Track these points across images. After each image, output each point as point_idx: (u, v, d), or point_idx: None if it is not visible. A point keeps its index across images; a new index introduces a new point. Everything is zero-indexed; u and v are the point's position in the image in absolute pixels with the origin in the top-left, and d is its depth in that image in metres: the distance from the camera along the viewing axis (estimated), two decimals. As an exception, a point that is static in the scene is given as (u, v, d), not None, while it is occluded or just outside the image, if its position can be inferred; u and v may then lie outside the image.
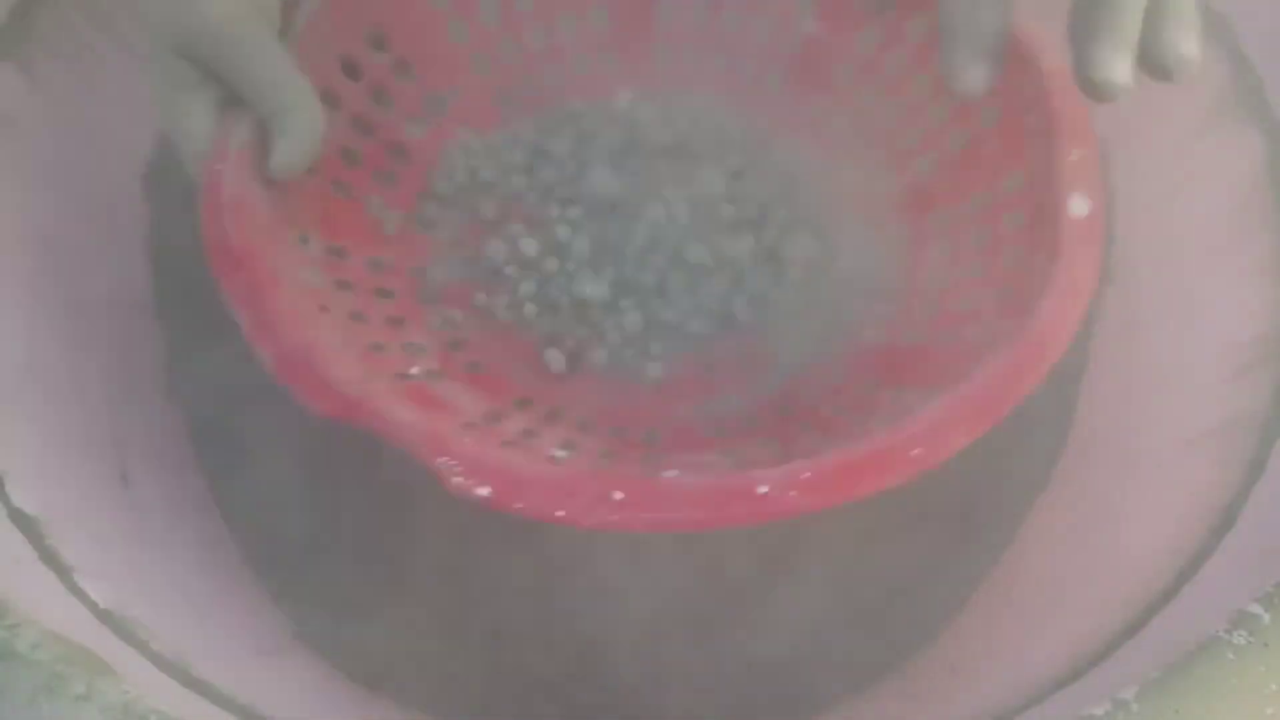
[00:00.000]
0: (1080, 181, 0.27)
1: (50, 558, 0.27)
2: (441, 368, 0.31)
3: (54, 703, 0.21)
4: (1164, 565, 0.28)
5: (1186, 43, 0.24)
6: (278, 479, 0.35)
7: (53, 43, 0.34)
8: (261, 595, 0.33)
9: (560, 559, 0.34)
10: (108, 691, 0.21)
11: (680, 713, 0.32)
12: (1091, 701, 0.22)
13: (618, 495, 0.23)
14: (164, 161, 0.37)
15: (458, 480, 0.23)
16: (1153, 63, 0.24)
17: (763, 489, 0.23)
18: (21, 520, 0.27)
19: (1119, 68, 0.24)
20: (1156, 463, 0.32)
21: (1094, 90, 0.24)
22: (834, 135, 0.36)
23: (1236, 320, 0.32)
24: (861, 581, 0.34)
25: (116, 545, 0.30)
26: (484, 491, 0.23)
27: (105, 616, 0.26)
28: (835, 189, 0.36)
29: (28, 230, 0.33)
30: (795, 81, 0.37)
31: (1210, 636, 0.22)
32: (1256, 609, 0.23)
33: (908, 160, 0.34)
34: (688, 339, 0.34)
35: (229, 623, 0.31)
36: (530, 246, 0.35)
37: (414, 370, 0.30)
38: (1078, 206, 0.27)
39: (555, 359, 0.33)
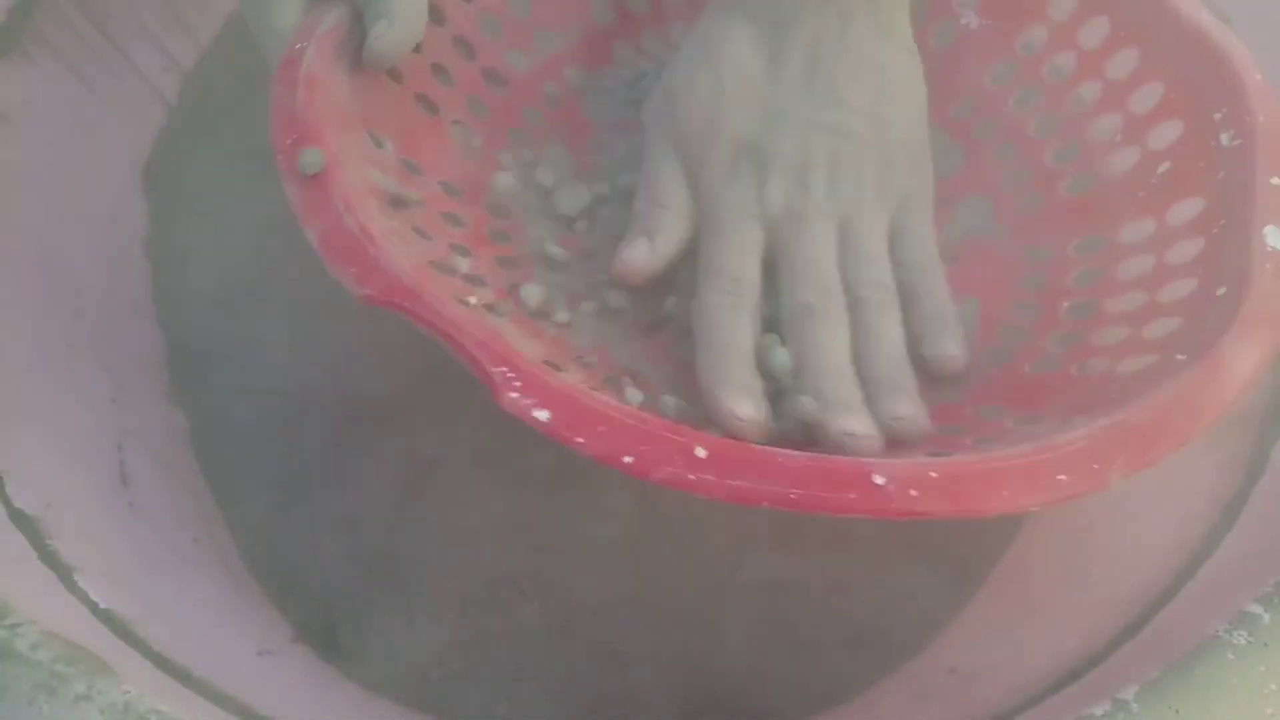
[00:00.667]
0: (1277, 211, 0.25)
1: (50, 558, 0.27)
2: (500, 307, 0.29)
3: (54, 703, 0.21)
4: (1164, 565, 0.28)
5: (902, 406, 0.27)
6: (278, 479, 0.35)
7: (53, 43, 0.34)
8: (261, 595, 0.33)
9: (561, 560, 0.34)
10: (108, 691, 0.21)
11: (681, 713, 0.32)
12: (1091, 701, 0.22)
13: (700, 452, 0.20)
14: (164, 161, 0.37)
15: (514, 397, 0.20)
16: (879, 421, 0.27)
17: (879, 479, 0.20)
18: (21, 520, 0.27)
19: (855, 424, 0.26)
20: (1156, 463, 0.32)
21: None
22: (979, 140, 0.34)
23: (1237, 320, 0.32)
24: (861, 581, 0.34)
25: (116, 545, 0.30)
26: (542, 415, 0.20)
27: (105, 616, 0.26)
28: (973, 200, 0.33)
29: (27, 230, 0.33)
30: (943, 78, 0.34)
31: (1210, 636, 0.22)
32: (1256, 609, 0.22)
33: (1058, 178, 0.32)
34: None
35: (229, 623, 0.31)
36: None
37: (471, 299, 0.27)
38: (1274, 238, 0.24)
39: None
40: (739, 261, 0.29)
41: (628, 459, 0.20)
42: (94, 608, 0.26)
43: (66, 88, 0.34)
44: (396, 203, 0.28)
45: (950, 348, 0.29)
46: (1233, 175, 0.26)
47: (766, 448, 0.21)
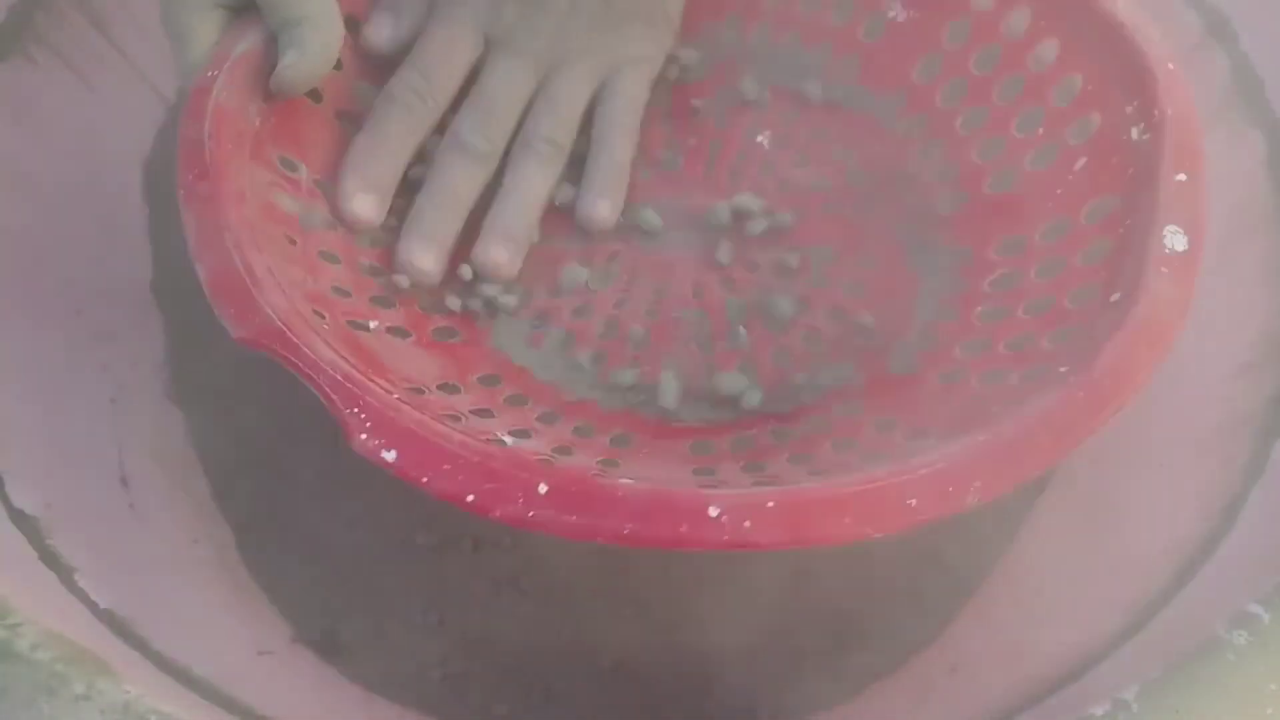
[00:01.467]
0: (1181, 210, 0.24)
1: (50, 558, 0.27)
2: (408, 327, 0.29)
3: (54, 703, 0.21)
4: (1164, 565, 0.28)
5: (497, 252, 0.31)
6: (277, 479, 0.35)
7: (53, 43, 0.34)
8: (261, 596, 0.33)
9: (562, 560, 0.34)
10: (108, 691, 0.21)
11: (680, 713, 0.32)
12: (1091, 701, 0.22)
13: (542, 488, 0.20)
14: (164, 161, 0.37)
15: (363, 438, 0.21)
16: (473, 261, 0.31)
17: (714, 511, 0.19)
18: (21, 520, 0.27)
19: (423, 259, 0.30)
20: (1157, 463, 0.32)
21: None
22: (898, 138, 0.34)
23: (1236, 320, 0.32)
24: (861, 582, 0.34)
25: (116, 545, 0.30)
26: (389, 456, 0.20)
27: (105, 616, 0.26)
28: (889, 200, 0.33)
29: (27, 230, 0.33)
30: (872, 73, 0.35)
31: (1210, 636, 0.22)
32: (1256, 609, 0.22)
33: (981, 176, 0.32)
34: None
35: (229, 623, 0.31)
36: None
37: (373, 324, 0.27)
38: (1174, 240, 0.23)
39: (466, 272, 0.31)
40: (438, 59, 0.31)
41: (470, 498, 0.20)
42: (94, 608, 0.26)
43: (66, 88, 0.34)
44: (306, 225, 0.28)
45: (599, 208, 0.32)
46: (1141, 172, 0.25)
47: (609, 481, 0.20)
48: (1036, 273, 0.28)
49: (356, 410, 0.21)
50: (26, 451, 0.29)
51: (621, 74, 0.33)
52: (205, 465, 0.35)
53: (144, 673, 0.25)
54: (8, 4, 0.33)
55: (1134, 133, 0.26)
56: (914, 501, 0.20)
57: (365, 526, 0.34)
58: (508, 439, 0.25)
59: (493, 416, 0.27)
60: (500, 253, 0.31)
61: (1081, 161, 0.29)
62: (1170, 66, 0.27)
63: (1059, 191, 0.29)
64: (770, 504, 0.20)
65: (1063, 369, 0.23)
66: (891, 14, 0.34)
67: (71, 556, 0.27)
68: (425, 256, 0.30)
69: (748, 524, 0.19)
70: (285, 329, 0.22)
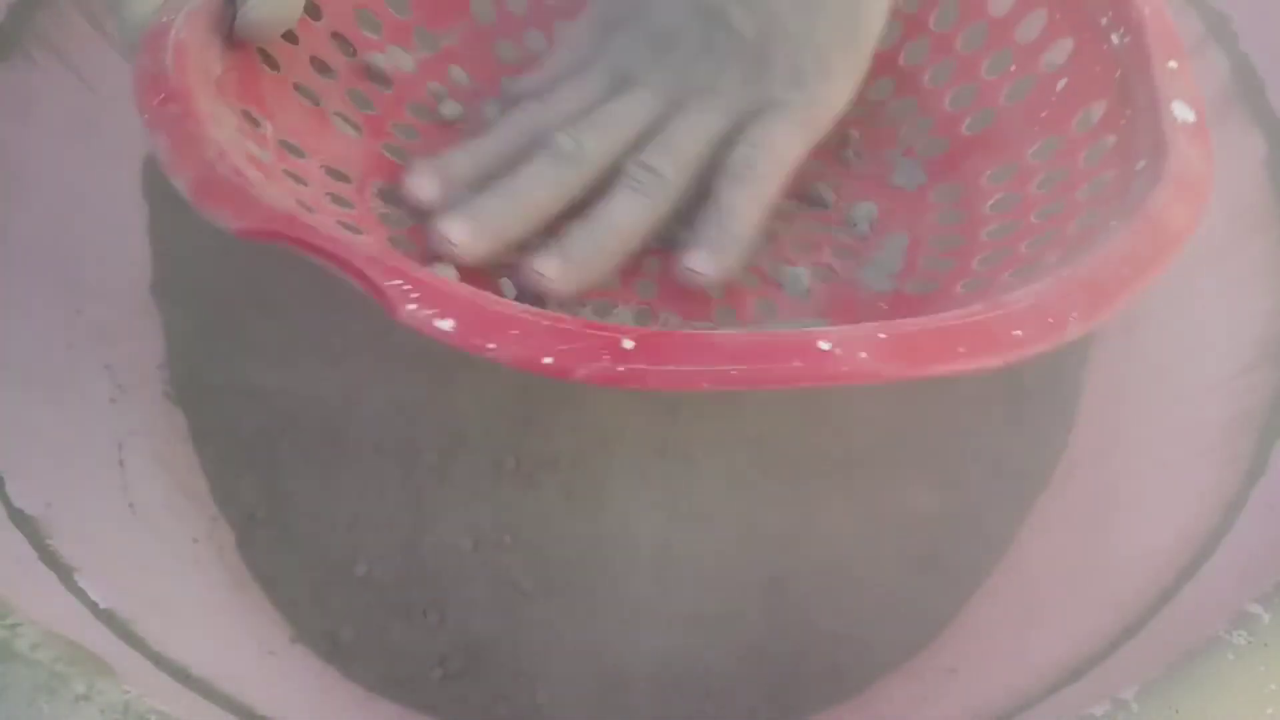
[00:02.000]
0: (1180, 90, 0.24)
1: (50, 558, 0.27)
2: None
3: (54, 703, 0.21)
4: (1164, 565, 0.28)
5: (548, 266, 0.27)
6: (278, 479, 0.35)
7: (53, 43, 0.34)
8: (261, 595, 0.33)
9: (562, 560, 0.34)
10: (108, 691, 0.21)
11: (680, 712, 0.32)
12: (1091, 701, 0.22)
13: (628, 343, 0.18)
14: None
15: (412, 309, 0.19)
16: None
17: (825, 345, 0.18)
18: (21, 520, 0.27)
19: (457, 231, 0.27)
20: (1156, 463, 0.32)
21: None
22: (877, 100, 0.34)
23: (1236, 320, 0.32)
24: (860, 582, 0.34)
25: (116, 545, 0.30)
26: (445, 325, 0.18)
27: (105, 616, 0.26)
28: (871, 152, 0.33)
29: (27, 230, 0.33)
30: None
31: (1210, 636, 0.22)
32: (1256, 609, 0.22)
33: (957, 121, 0.32)
34: None
35: (229, 623, 0.31)
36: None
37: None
38: (1181, 112, 0.24)
39: (507, 287, 0.28)
40: (568, 101, 0.30)
41: (547, 360, 0.18)
42: (94, 608, 0.26)
43: (66, 88, 0.34)
44: (281, 176, 0.26)
45: (703, 261, 0.28)
46: (1130, 69, 0.26)
47: (699, 331, 0.19)
48: (1036, 186, 0.29)
49: (399, 282, 0.19)
50: (26, 451, 0.29)
51: (762, 117, 0.29)
52: (205, 465, 0.35)
53: (144, 673, 0.25)
54: (8, 4, 0.33)
55: (1114, 39, 0.27)
56: (1020, 332, 0.20)
57: (365, 526, 0.34)
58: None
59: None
60: (549, 264, 0.27)
61: (1063, 82, 0.29)
62: None
63: (1044, 114, 0.29)
64: (882, 335, 0.19)
65: (1114, 223, 0.23)
66: None
67: (71, 556, 0.27)
68: (460, 229, 0.27)
69: (864, 354, 0.18)
70: (293, 214, 0.20)
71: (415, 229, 0.29)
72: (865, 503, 0.35)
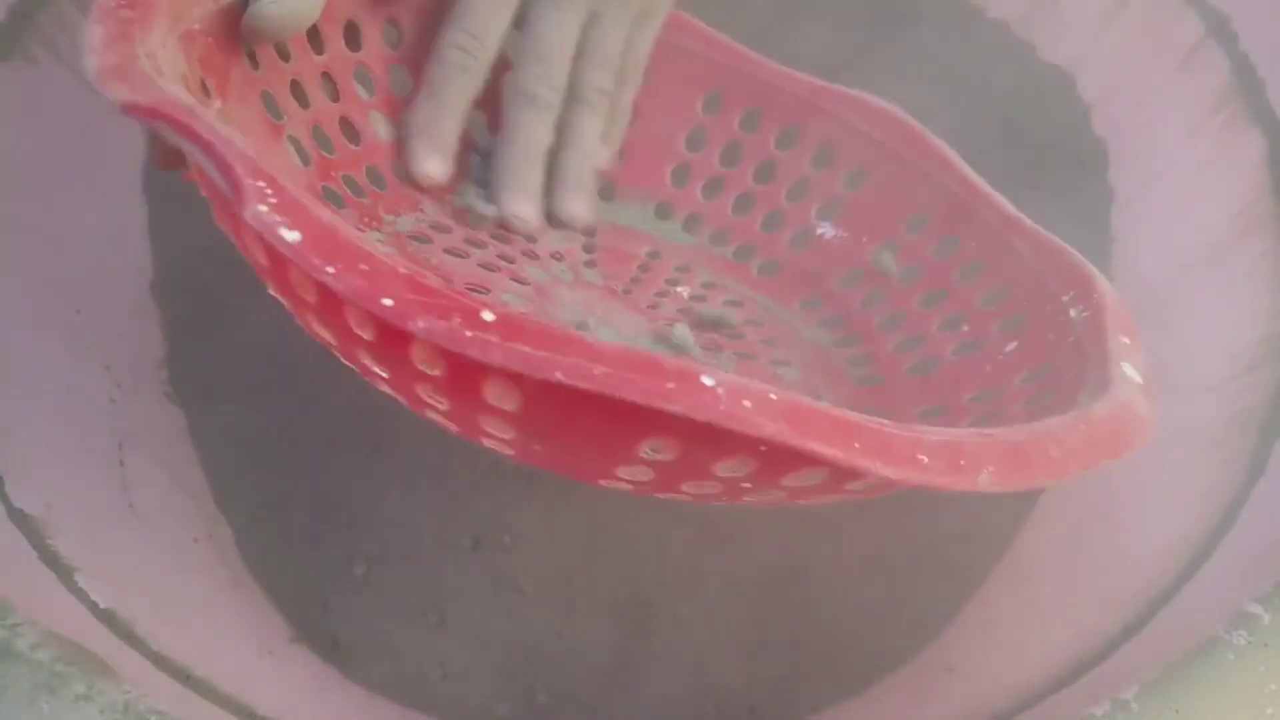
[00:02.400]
0: (1130, 358, 0.25)
1: (50, 558, 0.27)
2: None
3: (54, 703, 0.21)
4: (1164, 565, 0.28)
5: (575, 205, 0.33)
6: (278, 479, 0.35)
7: (53, 43, 0.34)
8: (261, 595, 0.33)
9: (562, 560, 0.34)
10: (108, 691, 0.21)
11: (681, 712, 0.32)
12: (1091, 701, 0.22)
13: (488, 315, 0.16)
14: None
15: (261, 209, 0.17)
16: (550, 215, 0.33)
17: (709, 381, 0.17)
18: (21, 520, 0.27)
19: (524, 209, 0.32)
20: (1157, 462, 0.32)
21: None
22: (818, 344, 0.34)
23: (1236, 320, 0.32)
24: (860, 582, 0.34)
25: (116, 545, 0.30)
26: (290, 236, 0.17)
27: (105, 616, 0.26)
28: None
29: (27, 230, 0.33)
30: (790, 280, 0.35)
31: (1210, 636, 0.22)
32: (1256, 609, 0.22)
33: (900, 363, 0.32)
34: None
35: (229, 623, 0.31)
36: None
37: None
38: (1131, 373, 0.24)
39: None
40: (484, 15, 0.31)
41: (387, 301, 0.16)
42: (94, 608, 0.26)
43: (66, 88, 0.34)
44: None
45: (604, 156, 0.34)
46: (1085, 336, 0.27)
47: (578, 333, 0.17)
48: (970, 422, 0.29)
49: (262, 184, 0.18)
50: (26, 451, 0.29)
51: (642, 26, 0.34)
52: (205, 465, 0.35)
53: (144, 673, 0.25)
54: (8, 4, 0.33)
55: (1073, 313, 0.28)
56: (925, 459, 0.18)
57: (365, 526, 0.34)
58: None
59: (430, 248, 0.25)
60: (578, 204, 0.33)
61: (1012, 345, 0.30)
62: (1095, 269, 0.28)
63: (988, 368, 0.30)
64: (772, 396, 0.17)
65: (1049, 420, 0.23)
66: (820, 231, 0.35)
67: (71, 556, 0.27)
68: (523, 205, 0.32)
69: (748, 404, 0.17)
70: (182, 101, 0.19)
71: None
72: (865, 503, 0.35)
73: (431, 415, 0.22)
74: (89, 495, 0.30)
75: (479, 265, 0.31)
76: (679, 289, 0.35)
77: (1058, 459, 0.20)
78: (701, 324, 0.33)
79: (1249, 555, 0.26)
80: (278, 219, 0.17)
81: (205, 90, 0.26)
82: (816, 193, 0.35)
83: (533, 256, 0.33)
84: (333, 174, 0.31)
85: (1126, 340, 0.26)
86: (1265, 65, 0.33)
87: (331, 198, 0.30)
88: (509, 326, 0.16)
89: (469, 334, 0.16)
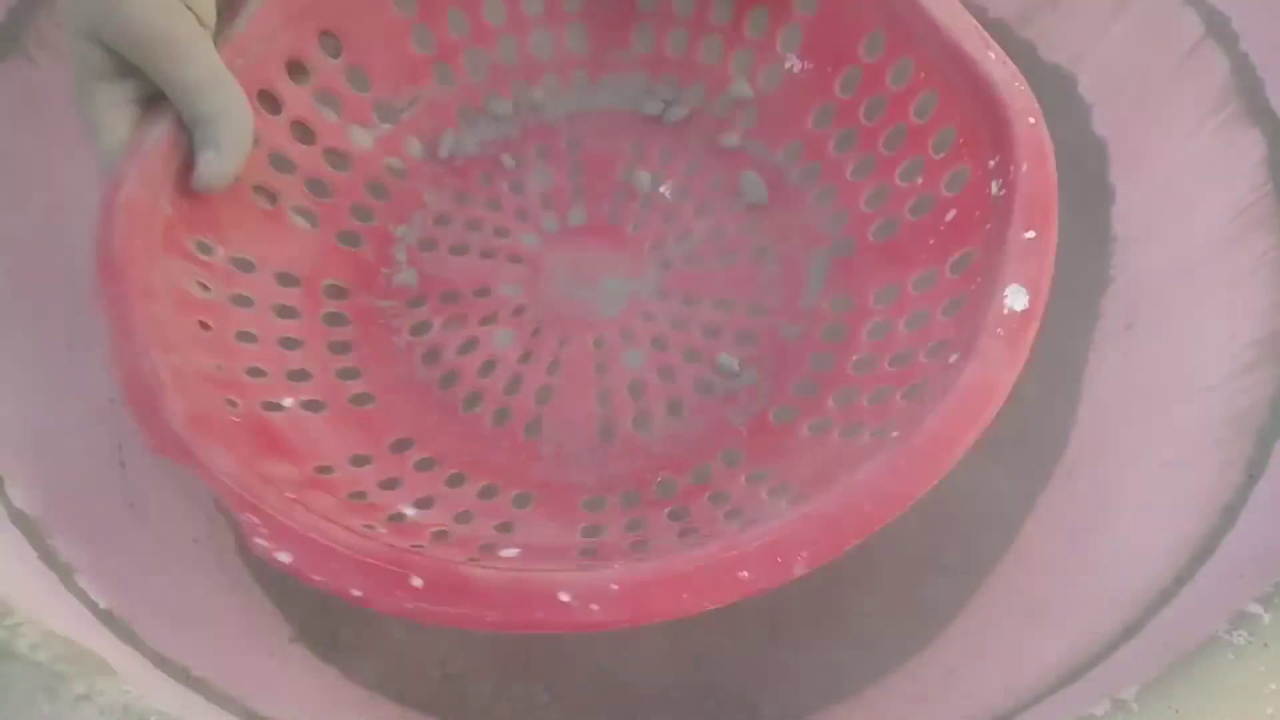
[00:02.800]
0: (1026, 268, 0.24)
1: (50, 558, 0.27)
2: (324, 398, 0.31)
3: (54, 703, 0.21)
4: (1164, 565, 0.28)
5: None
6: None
7: (53, 43, 0.34)
8: (261, 595, 0.33)
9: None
10: (108, 691, 0.21)
11: (681, 712, 0.32)
12: (1091, 701, 0.22)
13: (416, 581, 0.22)
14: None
15: (260, 542, 0.23)
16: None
17: (564, 597, 0.21)
18: (21, 520, 0.27)
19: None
20: (1156, 463, 0.32)
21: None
22: (794, 187, 0.35)
23: (1236, 320, 0.32)
24: (860, 581, 0.34)
25: (116, 545, 0.30)
26: (285, 558, 0.22)
27: (105, 616, 0.26)
28: (786, 247, 0.35)
29: (27, 229, 0.33)
30: (771, 123, 0.36)
31: (1210, 636, 0.22)
32: (1256, 609, 0.22)
33: (868, 223, 0.33)
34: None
35: (229, 623, 0.31)
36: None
37: (287, 401, 0.29)
38: (1015, 299, 0.24)
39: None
40: None
41: (356, 593, 0.22)
42: (94, 608, 0.26)
43: (66, 88, 0.34)
44: (228, 304, 0.30)
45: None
46: (995, 227, 0.26)
47: (474, 571, 0.22)
48: (905, 324, 0.30)
49: (253, 519, 0.23)
50: (26, 451, 0.29)
51: None
52: (205, 465, 0.35)
53: (144, 673, 0.25)
54: (8, 4, 0.33)
55: (994, 187, 0.27)
56: (746, 574, 0.21)
57: (365, 526, 0.34)
58: (410, 511, 0.27)
59: (399, 487, 0.29)
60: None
61: (952, 213, 0.30)
62: (1031, 121, 0.27)
63: (931, 241, 0.30)
64: (614, 586, 0.21)
65: (895, 433, 0.24)
66: (788, 65, 0.36)
67: (71, 556, 0.27)
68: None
69: (595, 607, 0.21)
70: (187, 439, 0.23)
71: (357, 318, 0.33)
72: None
73: None
74: (89, 495, 0.30)
75: (480, 256, 0.35)
76: (662, 189, 0.36)
77: (870, 513, 0.22)
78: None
79: (1249, 555, 0.26)
80: (272, 546, 0.22)
81: (205, 248, 0.29)
82: (777, 21, 0.36)
83: (524, 216, 0.36)
84: (340, 214, 0.34)
85: (1032, 235, 0.25)
86: (1265, 65, 0.33)
87: (349, 241, 0.34)
88: (434, 590, 0.22)
89: (409, 606, 0.22)
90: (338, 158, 0.34)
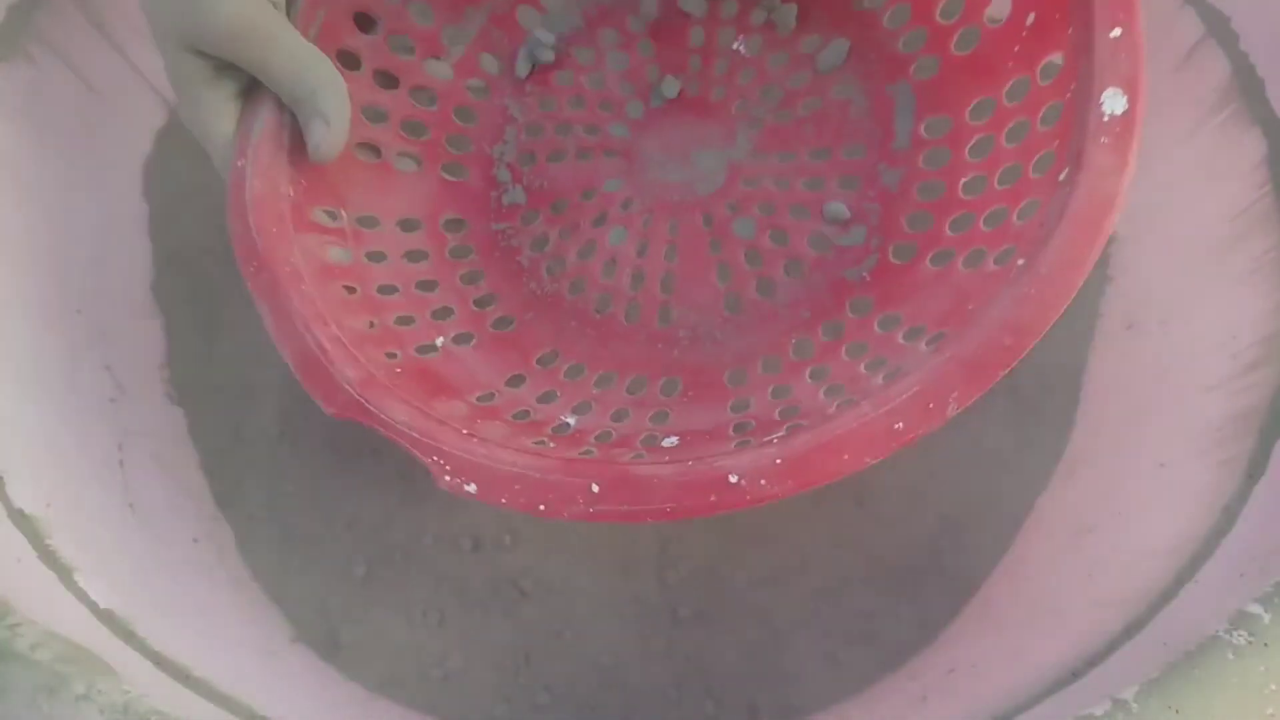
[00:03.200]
0: (1117, 69, 0.24)
1: (50, 558, 0.27)
2: (470, 329, 0.32)
3: (54, 703, 0.21)
4: (1164, 565, 0.28)
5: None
6: (278, 479, 0.35)
7: (53, 43, 0.34)
8: (261, 595, 0.33)
9: (561, 560, 0.34)
10: (108, 691, 0.21)
11: (681, 712, 0.32)
12: (1091, 701, 0.22)
13: (595, 488, 0.23)
14: (163, 160, 0.37)
15: (448, 479, 0.24)
16: None
17: (734, 479, 0.22)
18: (21, 520, 0.27)
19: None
20: (1157, 463, 0.32)
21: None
22: (872, 12, 0.34)
23: (1236, 320, 0.32)
24: (862, 581, 0.34)
25: (116, 545, 0.30)
26: (471, 489, 0.24)
27: (105, 616, 0.26)
28: (869, 79, 0.34)
29: (27, 230, 0.33)
30: None
31: (1210, 636, 0.22)
32: (1256, 609, 0.22)
33: (947, 37, 0.32)
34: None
35: (229, 623, 0.31)
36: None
37: (439, 340, 0.31)
38: (1113, 103, 0.24)
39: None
40: None
41: (541, 507, 0.23)
42: (94, 608, 0.26)
43: (67, 88, 0.34)
44: (364, 263, 0.31)
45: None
46: (1077, 31, 0.26)
47: (646, 470, 0.23)
48: (1006, 138, 0.29)
49: (438, 459, 0.24)
50: (26, 451, 0.29)
51: None
52: (205, 465, 0.35)
53: (144, 673, 0.25)
54: (8, 4, 0.33)
55: None
56: (900, 425, 0.22)
57: (365, 526, 0.34)
58: (571, 419, 0.29)
59: (556, 399, 0.30)
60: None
61: (1031, 16, 0.29)
62: None
63: (1016, 49, 0.30)
64: (778, 461, 0.22)
65: (1020, 261, 0.24)
66: None
67: (71, 556, 0.27)
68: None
69: (764, 482, 0.22)
70: (364, 400, 0.25)
71: (480, 247, 0.34)
72: (866, 503, 0.35)
73: None
74: (89, 495, 0.30)
75: (577, 157, 0.36)
76: (736, 46, 0.36)
77: (1012, 345, 0.22)
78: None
79: (1249, 555, 0.26)
80: (459, 480, 0.24)
81: (331, 215, 0.30)
82: None
83: (608, 105, 0.36)
84: (439, 149, 0.35)
85: (1118, 32, 0.24)
86: (1265, 65, 0.33)
87: (453, 172, 0.35)
88: (613, 491, 0.23)
89: (591, 510, 0.23)
90: (424, 94, 0.35)
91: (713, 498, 0.23)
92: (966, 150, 0.31)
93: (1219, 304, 0.33)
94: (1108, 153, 0.24)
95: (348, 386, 0.25)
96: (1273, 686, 0.21)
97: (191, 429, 0.35)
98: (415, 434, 0.25)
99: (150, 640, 0.26)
